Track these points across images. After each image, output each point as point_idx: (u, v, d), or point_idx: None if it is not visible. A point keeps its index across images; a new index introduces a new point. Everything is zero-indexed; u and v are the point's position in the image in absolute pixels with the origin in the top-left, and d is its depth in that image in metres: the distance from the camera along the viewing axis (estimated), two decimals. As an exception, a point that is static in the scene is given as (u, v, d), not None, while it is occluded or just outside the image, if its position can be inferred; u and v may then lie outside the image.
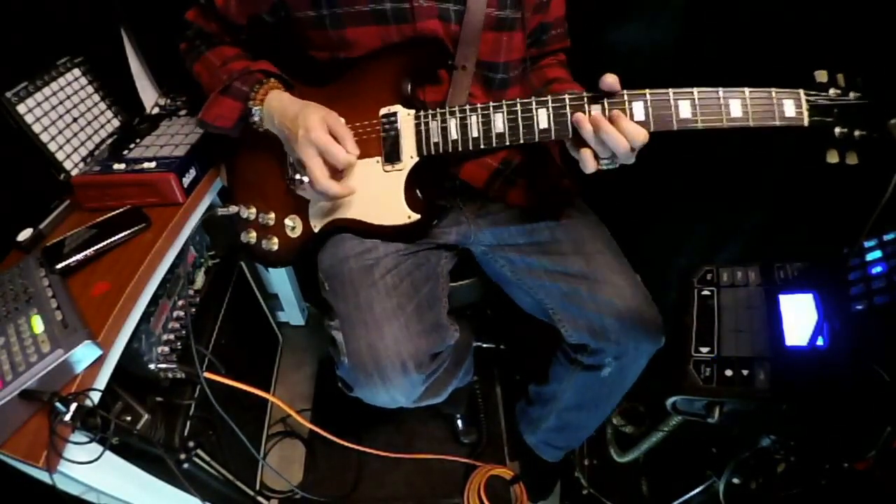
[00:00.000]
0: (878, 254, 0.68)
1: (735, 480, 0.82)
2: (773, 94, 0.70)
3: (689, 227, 1.22)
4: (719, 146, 1.07)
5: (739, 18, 0.97)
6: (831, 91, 0.70)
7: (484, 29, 0.88)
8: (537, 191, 1.00)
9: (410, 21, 0.85)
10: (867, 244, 0.70)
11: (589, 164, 0.77)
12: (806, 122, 0.70)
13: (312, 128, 0.80)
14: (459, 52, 0.89)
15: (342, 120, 0.86)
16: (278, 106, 0.86)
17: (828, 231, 0.89)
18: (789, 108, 0.70)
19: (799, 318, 0.72)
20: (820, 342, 0.67)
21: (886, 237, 0.69)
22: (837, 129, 0.70)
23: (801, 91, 0.70)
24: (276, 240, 0.98)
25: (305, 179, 0.83)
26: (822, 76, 0.71)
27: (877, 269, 0.66)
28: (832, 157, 0.71)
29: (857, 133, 0.70)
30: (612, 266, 0.96)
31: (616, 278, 0.94)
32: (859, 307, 0.64)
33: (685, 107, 0.72)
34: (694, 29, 1.04)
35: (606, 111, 0.75)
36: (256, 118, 0.88)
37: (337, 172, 0.85)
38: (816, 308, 0.71)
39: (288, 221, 0.96)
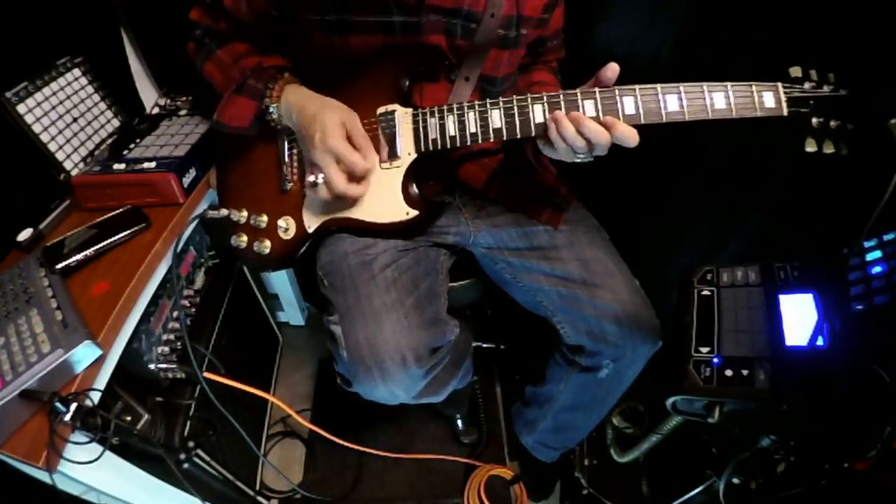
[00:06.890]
0: (878, 254, 0.68)
1: (735, 480, 0.82)
2: (754, 88, 0.75)
3: (689, 227, 1.22)
4: (719, 147, 1.07)
5: (739, 19, 0.97)
6: (806, 85, 0.75)
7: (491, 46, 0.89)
8: (536, 195, 1.00)
9: (416, 34, 0.85)
10: (867, 244, 0.70)
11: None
12: (785, 112, 0.75)
13: (330, 134, 0.80)
14: (465, 65, 0.90)
15: (359, 124, 0.84)
16: (296, 101, 0.85)
17: (828, 231, 0.89)
18: (769, 100, 0.75)
19: (799, 318, 0.72)
20: (820, 342, 0.66)
21: (886, 237, 0.69)
22: (814, 119, 0.75)
23: (779, 84, 0.75)
24: (268, 242, 0.97)
25: (320, 181, 0.83)
26: (796, 72, 0.76)
27: (877, 269, 0.66)
28: (810, 146, 0.76)
29: (832, 123, 0.75)
30: (611, 271, 0.96)
31: (615, 283, 0.94)
32: (859, 307, 0.64)
33: (672, 100, 0.75)
34: (693, 30, 1.04)
35: (599, 105, 0.76)
36: (274, 115, 0.88)
37: (353, 177, 0.84)
38: (816, 308, 0.71)
39: (281, 223, 0.95)
